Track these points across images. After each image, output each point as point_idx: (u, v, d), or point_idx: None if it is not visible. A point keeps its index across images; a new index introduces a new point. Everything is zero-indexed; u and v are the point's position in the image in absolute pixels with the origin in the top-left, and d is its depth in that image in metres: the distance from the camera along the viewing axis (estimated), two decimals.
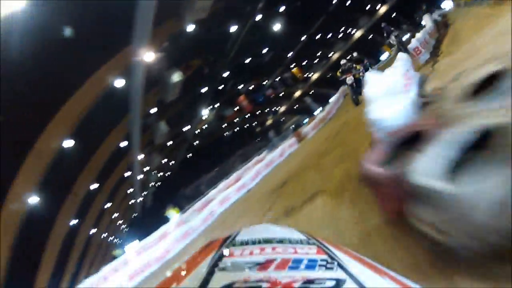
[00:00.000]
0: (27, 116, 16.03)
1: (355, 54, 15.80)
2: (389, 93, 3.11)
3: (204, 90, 31.70)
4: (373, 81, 3.56)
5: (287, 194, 7.48)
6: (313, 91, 40.21)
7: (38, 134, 17.80)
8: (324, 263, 0.68)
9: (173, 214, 16.34)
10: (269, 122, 45.57)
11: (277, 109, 44.19)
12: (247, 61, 33.06)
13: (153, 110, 26.93)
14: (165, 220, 16.19)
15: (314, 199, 4.91)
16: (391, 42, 15.51)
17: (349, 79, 13.32)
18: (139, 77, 18.49)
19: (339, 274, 0.62)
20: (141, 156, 28.53)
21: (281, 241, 0.84)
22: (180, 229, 13.16)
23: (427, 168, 1.76)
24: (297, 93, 41.12)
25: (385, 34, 16.01)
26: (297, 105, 43.46)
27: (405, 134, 2.47)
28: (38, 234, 22.67)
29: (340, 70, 14.16)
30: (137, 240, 29.66)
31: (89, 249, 36.13)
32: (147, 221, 41.80)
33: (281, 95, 41.50)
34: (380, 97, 3.13)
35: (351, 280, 0.59)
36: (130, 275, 11.74)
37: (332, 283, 0.57)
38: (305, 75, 39.15)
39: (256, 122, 47.35)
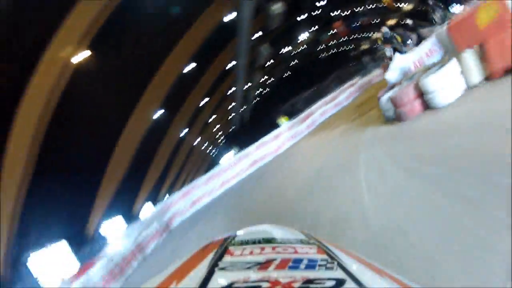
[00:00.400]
0: (155, 45, 20.49)
1: (409, 21, 15.80)
2: (397, 68, 8.77)
3: (303, 16, 34.81)
4: (397, 59, 9.19)
5: (362, 108, 13.78)
6: (405, 21, 40.69)
7: (162, 60, 22.43)
8: (324, 263, 0.73)
9: (283, 121, 22.56)
10: (363, 47, 47.50)
11: (371, 35, 45.53)
12: None
13: (257, 35, 30.19)
14: (259, 135, 19.52)
15: (371, 110, 10.96)
16: (435, 20, 15.35)
17: (389, 51, 14.39)
18: (245, 8, 21.60)
19: (339, 274, 0.67)
20: (244, 74, 32.25)
21: (281, 241, 0.92)
22: (289, 132, 18.71)
23: (385, 97, 7.65)
24: (390, 22, 41.39)
25: (430, 10, 15.80)
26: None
27: (391, 87, 8.30)
28: (153, 143, 28.28)
29: (381, 37, 14.91)
30: (233, 151, 34.48)
31: (190, 157, 42.41)
32: (242, 135, 47.84)
33: (375, 22, 42.55)
34: (392, 69, 8.83)
35: (351, 280, 0.63)
36: (251, 163, 17.76)
37: (332, 283, 0.62)
38: (397, 5, 39.14)
39: (351, 47, 49.72)
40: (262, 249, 0.84)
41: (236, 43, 25.90)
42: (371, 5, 39.71)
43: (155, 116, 25.75)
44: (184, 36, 22.61)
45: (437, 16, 14.92)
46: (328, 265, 0.71)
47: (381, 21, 41.68)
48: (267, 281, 0.63)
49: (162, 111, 25.82)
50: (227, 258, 0.79)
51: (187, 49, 23.70)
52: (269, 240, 0.92)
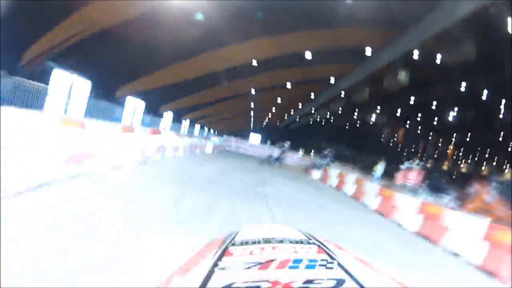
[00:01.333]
0: None
1: (326, 151, 26.88)
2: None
3: (385, 107, 43.61)
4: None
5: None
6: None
7: None
8: (324, 263, 0.80)
9: (301, 152, 38.46)
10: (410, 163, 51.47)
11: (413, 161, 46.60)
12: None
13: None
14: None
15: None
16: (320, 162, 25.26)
17: (275, 154, 25.68)
18: (350, 78, 31.67)
19: (339, 274, 0.74)
20: (325, 100, 42.69)
21: (281, 241, 1.00)
22: (298, 159, 35.47)
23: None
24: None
25: (325, 153, 26.37)
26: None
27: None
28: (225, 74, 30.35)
29: (280, 144, 26.70)
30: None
31: (237, 107, 48.04)
32: (279, 133, 56.69)
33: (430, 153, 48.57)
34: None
35: (351, 280, 0.70)
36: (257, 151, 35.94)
37: (332, 283, 0.68)
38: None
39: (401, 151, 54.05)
40: (262, 249, 0.93)
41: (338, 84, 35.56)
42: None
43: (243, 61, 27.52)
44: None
45: (321, 162, 25.51)
46: (328, 265, 0.80)
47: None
48: (267, 281, 0.70)
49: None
50: (227, 258, 0.87)
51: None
52: (269, 240, 1.01)
